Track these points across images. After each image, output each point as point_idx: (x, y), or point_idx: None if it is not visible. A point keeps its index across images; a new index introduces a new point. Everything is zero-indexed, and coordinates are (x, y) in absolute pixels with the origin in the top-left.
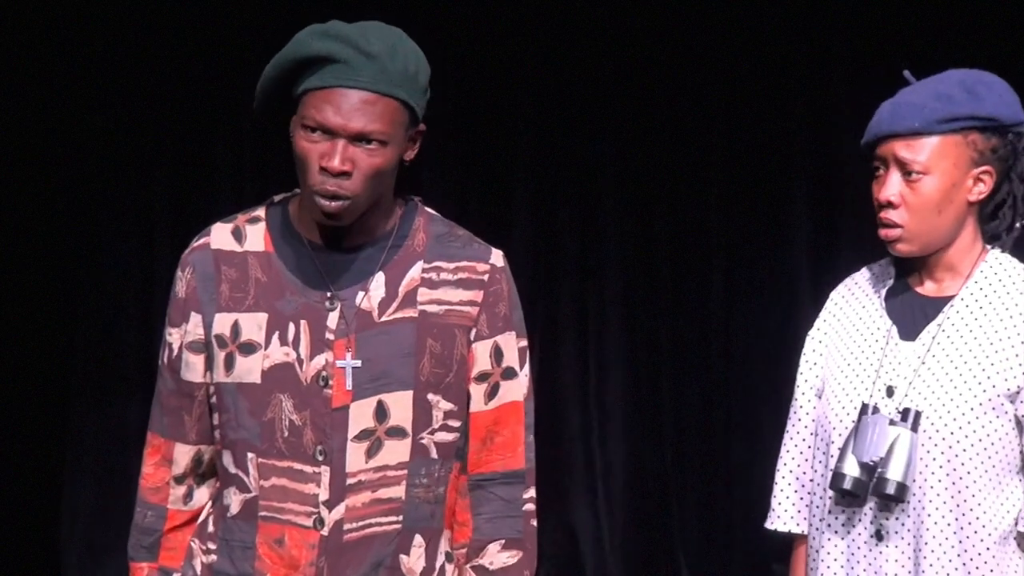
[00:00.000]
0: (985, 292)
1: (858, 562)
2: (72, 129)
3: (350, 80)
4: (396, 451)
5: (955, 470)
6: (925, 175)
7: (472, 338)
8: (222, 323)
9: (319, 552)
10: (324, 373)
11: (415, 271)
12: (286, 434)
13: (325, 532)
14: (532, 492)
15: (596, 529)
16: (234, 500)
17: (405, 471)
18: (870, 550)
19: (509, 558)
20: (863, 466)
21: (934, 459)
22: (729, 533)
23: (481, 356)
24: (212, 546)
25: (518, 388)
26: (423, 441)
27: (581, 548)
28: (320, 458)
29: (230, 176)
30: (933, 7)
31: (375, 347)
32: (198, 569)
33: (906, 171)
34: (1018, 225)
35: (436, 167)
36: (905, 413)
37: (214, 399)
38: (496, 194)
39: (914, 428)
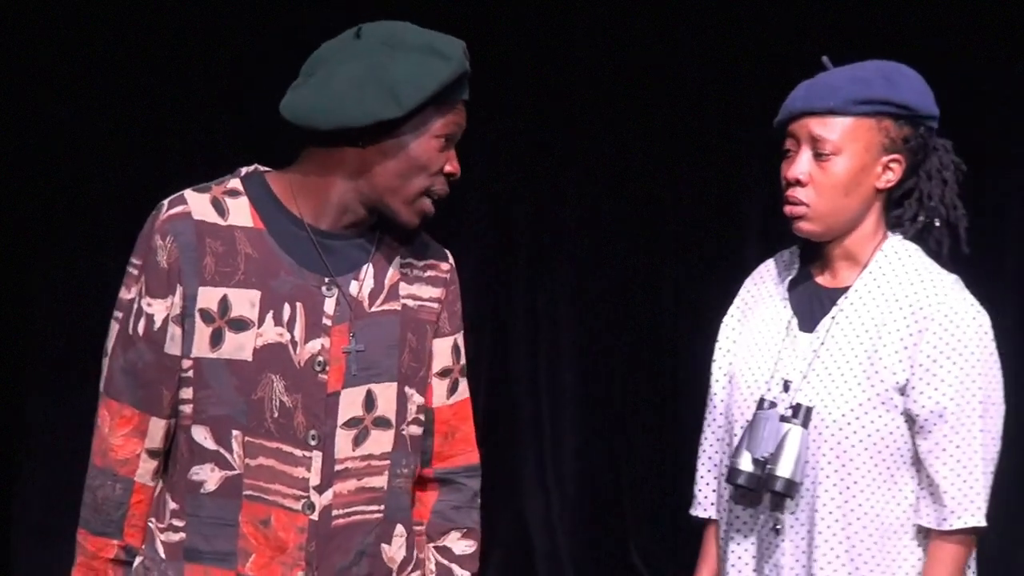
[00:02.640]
0: (879, 282)
1: (761, 555)
2: (23, 121)
3: (467, 92)
4: (380, 441)
5: (843, 466)
6: (835, 155)
7: (433, 335)
8: (208, 297)
9: (308, 536)
10: (320, 358)
11: (395, 265)
12: (276, 415)
13: (315, 517)
14: (480, 482)
15: (547, 516)
16: (211, 477)
17: (388, 461)
18: (770, 544)
19: (467, 547)
20: (756, 462)
21: (823, 455)
22: (679, 521)
23: (443, 352)
24: (178, 523)
25: (466, 385)
26: (404, 433)
27: (532, 535)
28: (313, 443)
29: (181, 167)
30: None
31: (366, 336)
32: (161, 551)
33: (817, 150)
34: (921, 218)
35: None
36: (796, 409)
37: (190, 373)
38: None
39: (804, 424)
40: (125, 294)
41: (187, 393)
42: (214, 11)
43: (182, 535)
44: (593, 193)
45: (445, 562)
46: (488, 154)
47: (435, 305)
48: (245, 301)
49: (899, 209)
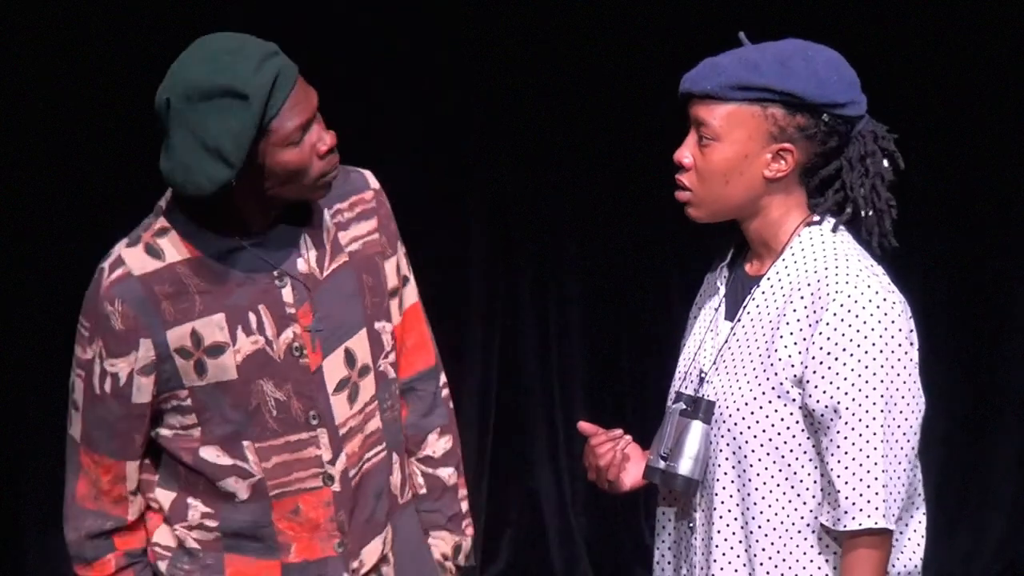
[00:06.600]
0: (789, 272)
1: (679, 554)
2: (22, 119)
3: (295, 76)
4: (367, 388)
5: (740, 462)
6: (715, 141)
7: (383, 260)
8: (178, 336)
9: (335, 507)
10: (296, 344)
11: (327, 221)
12: (275, 413)
13: (337, 487)
14: (444, 378)
15: (559, 495)
16: (239, 488)
17: (376, 402)
18: (687, 543)
19: (446, 443)
20: (663, 458)
21: (720, 451)
22: None
23: (391, 274)
24: (211, 523)
25: (413, 291)
26: (381, 368)
27: (544, 513)
28: (314, 422)
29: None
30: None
31: (328, 302)
32: (195, 545)
33: (700, 134)
34: (848, 210)
35: (403, 150)
36: (696, 403)
37: (188, 401)
38: (450, 167)
39: (706, 419)
40: (82, 353)
41: (190, 419)
42: (214, 9)
43: (217, 534)
44: (597, 184)
45: (430, 471)
46: (489, 131)
47: (375, 236)
48: (213, 327)
49: (820, 198)
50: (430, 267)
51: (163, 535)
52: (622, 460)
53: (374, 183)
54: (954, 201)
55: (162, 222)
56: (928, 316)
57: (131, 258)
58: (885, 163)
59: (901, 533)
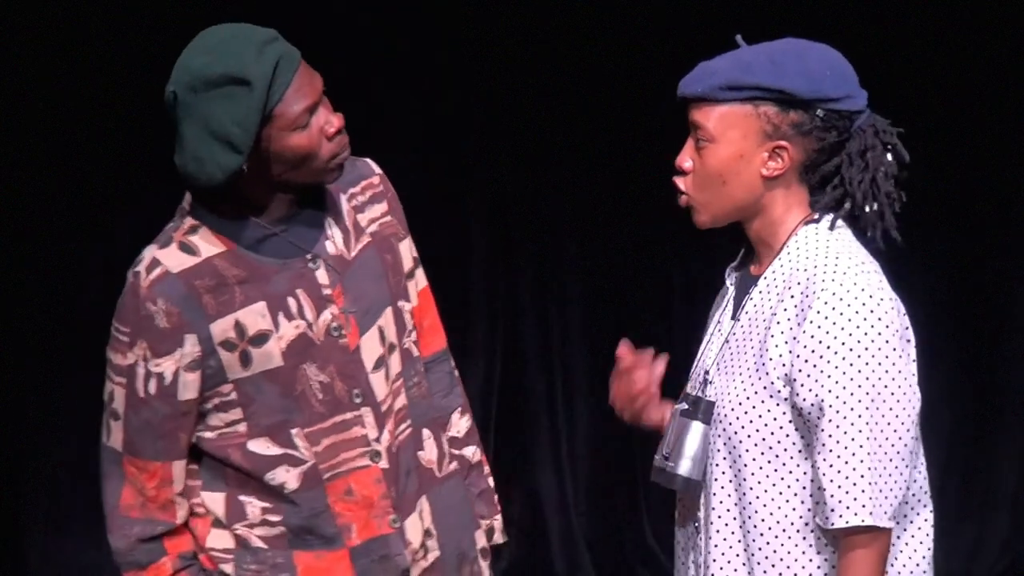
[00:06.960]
0: (785, 271)
1: (688, 553)
2: (21, 117)
3: (298, 60)
4: (394, 366)
5: (735, 462)
6: (711, 143)
7: (398, 242)
8: (222, 328)
9: (386, 484)
10: (334, 324)
11: (344, 204)
12: (320, 396)
13: (385, 464)
14: (452, 359)
15: (561, 496)
16: (289, 477)
17: (402, 379)
18: (693, 540)
19: (466, 422)
20: (664, 458)
21: (718, 450)
22: None
23: (405, 255)
24: (274, 518)
25: (422, 273)
26: (406, 347)
27: (546, 514)
28: (359, 401)
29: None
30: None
31: (358, 283)
32: (261, 544)
33: (696, 137)
34: (847, 206)
35: (403, 150)
36: (697, 403)
37: (233, 396)
38: (450, 167)
39: (705, 419)
40: (121, 360)
41: (235, 414)
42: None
43: (282, 528)
44: (597, 184)
45: (457, 451)
46: (488, 129)
47: (389, 217)
48: (256, 316)
49: (820, 195)
50: (430, 267)
51: (219, 538)
52: (656, 392)
53: (377, 168)
54: (954, 201)
55: (190, 221)
56: (928, 316)
57: (167, 257)
58: (888, 157)
59: (904, 531)
